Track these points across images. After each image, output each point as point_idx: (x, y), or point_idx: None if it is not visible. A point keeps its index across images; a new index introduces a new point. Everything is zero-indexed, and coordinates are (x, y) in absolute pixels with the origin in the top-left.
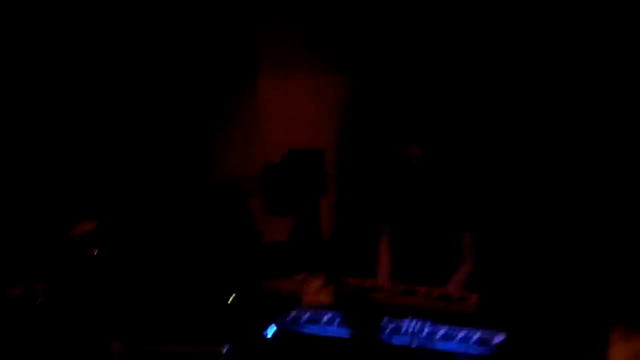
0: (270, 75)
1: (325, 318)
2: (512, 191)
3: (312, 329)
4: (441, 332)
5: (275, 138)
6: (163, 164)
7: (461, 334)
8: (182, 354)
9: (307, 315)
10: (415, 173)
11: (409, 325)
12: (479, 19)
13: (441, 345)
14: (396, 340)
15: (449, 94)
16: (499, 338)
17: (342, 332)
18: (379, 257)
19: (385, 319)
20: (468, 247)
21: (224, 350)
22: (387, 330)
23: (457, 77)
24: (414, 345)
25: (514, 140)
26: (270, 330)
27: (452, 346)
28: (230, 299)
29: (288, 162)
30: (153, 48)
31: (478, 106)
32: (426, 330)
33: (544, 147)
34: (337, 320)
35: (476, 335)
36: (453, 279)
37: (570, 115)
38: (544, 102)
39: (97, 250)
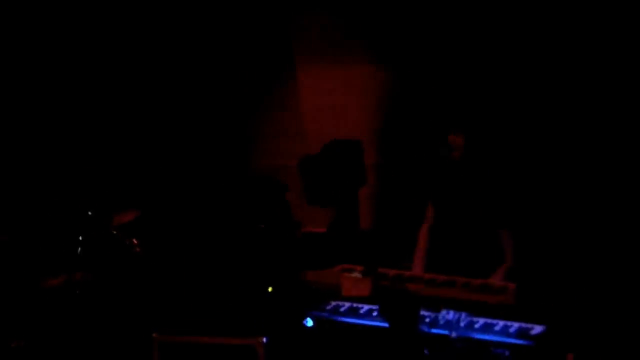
0: (310, 66)
1: (364, 309)
2: (549, 184)
3: (350, 320)
4: (480, 322)
5: (314, 129)
6: (202, 155)
7: (500, 325)
8: (221, 345)
9: (345, 306)
10: (454, 164)
11: (448, 316)
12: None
13: (480, 336)
14: (435, 331)
15: (490, 84)
16: (537, 329)
17: (381, 323)
18: (416, 246)
19: (424, 310)
20: (506, 244)
21: (263, 341)
22: (426, 321)
23: (498, 67)
24: (452, 336)
25: (550, 134)
26: (309, 321)
27: (490, 337)
28: (270, 290)
29: (327, 153)
30: (190, 39)
31: (519, 97)
32: (465, 321)
33: (579, 141)
34: (376, 311)
35: (515, 327)
36: (493, 277)
37: (611, 107)
38: (587, 95)
39: (137, 241)
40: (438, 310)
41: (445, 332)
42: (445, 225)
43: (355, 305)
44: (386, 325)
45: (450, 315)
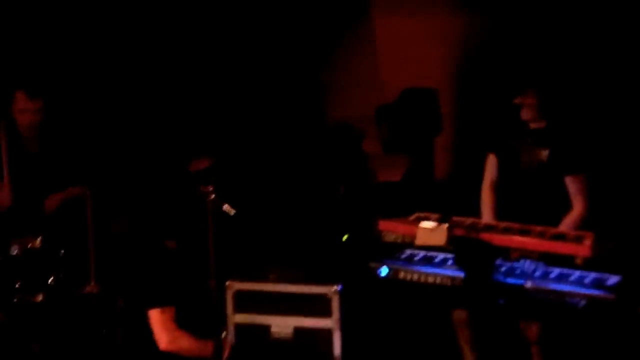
0: (387, 13)
1: (439, 258)
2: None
3: (425, 269)
4: (555, 272)
5: (390, 77)
6: (277, 104)
7: (575, 275)
8: (296, 293)
9: (420, 255)
10: (524, 116)
11: (523, 265)
12: None
13: (555, 286)
14: (510, 281)
15: (566, 39)
16: (613, 280)
17: (456, 272)
18: (481, 199)
19: (499, 259)
20: (576, 191)
21: (338, 289)
22: (501, 270)
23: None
24: (527, 285)
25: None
26: (384, 270)
27: (565, 287)
28: (344, 238)
29: (403, 102)
30: None
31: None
32: (540, 270)
33: None
34: (451, 260)
35: (590, 277)
36: (562, 224)
37: None
38: None
39: (212, 188)
40: (513, 260)
41: (520, 281)
42: (513, 175)
43: (429, 254)
44: (461, 274)
45: (526, 264)
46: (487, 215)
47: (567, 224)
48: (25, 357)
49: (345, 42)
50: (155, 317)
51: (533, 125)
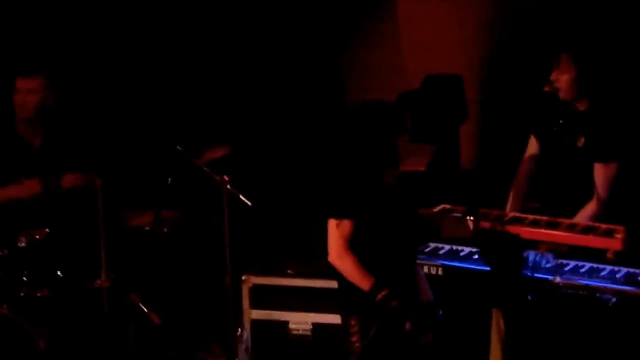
0: None
1: (464, 252)
2: None
3: (450, 263)
4: (585, 267)
5: (414, 63)
6: (296, 89)
7: (607, 270)
8: (311, 287)
9: (445, 248)
10: (557, 99)
11: (552, 259)
12: None
13: (585, 281)
14: (538, 275)
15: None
16: None
17: (482, 266)
18: (513, 184)
19: (527, 252)
20: (599, 181)
21: None
22: (529, 265)
23: None
24: (556, 280)
25: None
26: None
27: (596, 282)
28: None
29: (427, 88)
30: None
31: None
32: (570, 265)
33: None
34: (477, 254)
35: (622, 272)
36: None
37: None
38: None
39: (228, 177)
40: (541, 253)
41: (549, 276)
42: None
43: (455, 247)
44: (487, 268)
45: (554, 258)
46: (512, 202)
47: (581, 216)
48: (30, 354)
49: (369, 26)
50: (330, 228)
51: (576, 107)
